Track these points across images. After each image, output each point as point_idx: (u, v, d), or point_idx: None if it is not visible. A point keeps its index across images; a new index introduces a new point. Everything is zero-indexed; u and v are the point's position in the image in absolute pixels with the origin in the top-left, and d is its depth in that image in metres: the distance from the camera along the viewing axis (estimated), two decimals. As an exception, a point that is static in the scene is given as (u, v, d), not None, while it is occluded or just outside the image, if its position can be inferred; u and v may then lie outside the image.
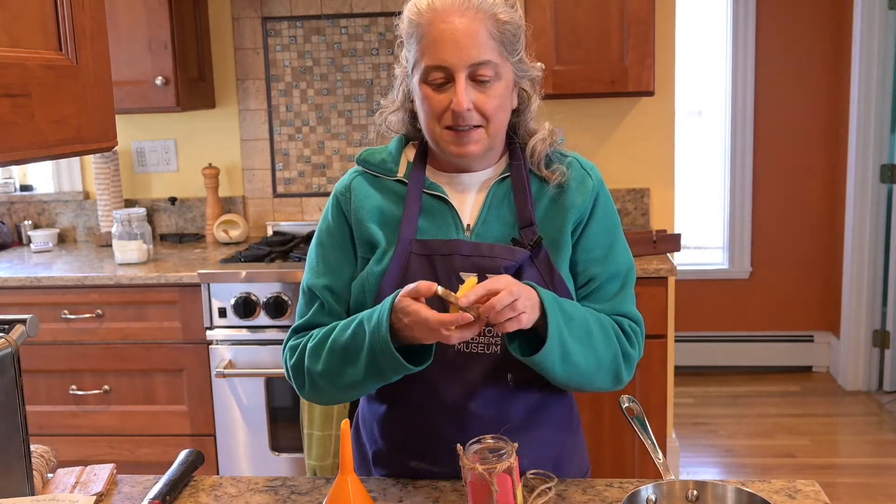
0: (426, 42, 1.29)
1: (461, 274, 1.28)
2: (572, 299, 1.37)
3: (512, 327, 1.20)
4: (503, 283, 1.20)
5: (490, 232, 1.37)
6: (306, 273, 1.44)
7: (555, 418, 1.42)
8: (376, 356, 1.25)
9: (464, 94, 1.28)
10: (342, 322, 1.34)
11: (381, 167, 1.42)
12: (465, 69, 1.28)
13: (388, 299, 1.26)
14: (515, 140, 1.42)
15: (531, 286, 1.25)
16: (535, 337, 1.26)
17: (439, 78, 1.30)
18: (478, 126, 1.32)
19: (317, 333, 1.37)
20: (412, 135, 1.46)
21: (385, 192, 1.41)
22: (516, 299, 1.19)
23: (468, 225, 1.38)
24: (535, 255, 1.34)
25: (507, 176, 1.39)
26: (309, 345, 1.37)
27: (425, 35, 1.30)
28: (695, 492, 1.19)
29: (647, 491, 1.18)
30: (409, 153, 1.44)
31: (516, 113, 1.41)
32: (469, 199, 1.40)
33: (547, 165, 1.40)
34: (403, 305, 1.21)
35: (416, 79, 1.33)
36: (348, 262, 1.41)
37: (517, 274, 1.34)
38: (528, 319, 1.22)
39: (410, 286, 1.22)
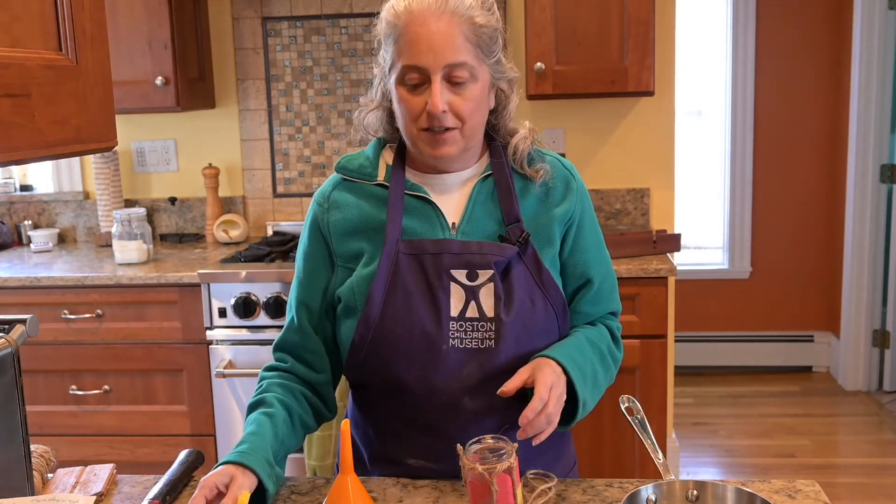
0: (402, 43, 1.30)
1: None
2: (561, 293, 1.39)
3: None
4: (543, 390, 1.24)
5: (476, 230, 1.38)
6: (293, 281, 1.48)
7: None
8: None
9: (439, 96, 1.29)
10: (256, 416, 1.35)
11: (360, 173, 1.43)
12: (440, 70, 1.29)
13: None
14: (496, 139, 1.43)
15: (551, 358, 1.30)
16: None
17: (415, 79, 1.30)
18: (452, 128, 1.32)
19: (260, 392, 1.39)
20: (390, 136, 1.46)
21: (366, 197, 1.41)
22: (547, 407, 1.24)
23: (453, 223, 1.38)
24: (522, 251, 1.36)
25: (490, 174, 1.40)
26: (256, 396, 1.39)
27: (401, 36, 1.30)
28: (695, 492, 1.19)
29: (647, 491, 1.18)
30: (388, 156, 1.44)
31: (494, 113, 1.42)
32: (451, 198, 1.40)
33: (529, 164, 1.41)
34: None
35: (392, 80, 1.34)
36: (324, 278, 1.42)
37: (506, 270, 1.35)
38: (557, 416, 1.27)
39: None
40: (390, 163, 1.43)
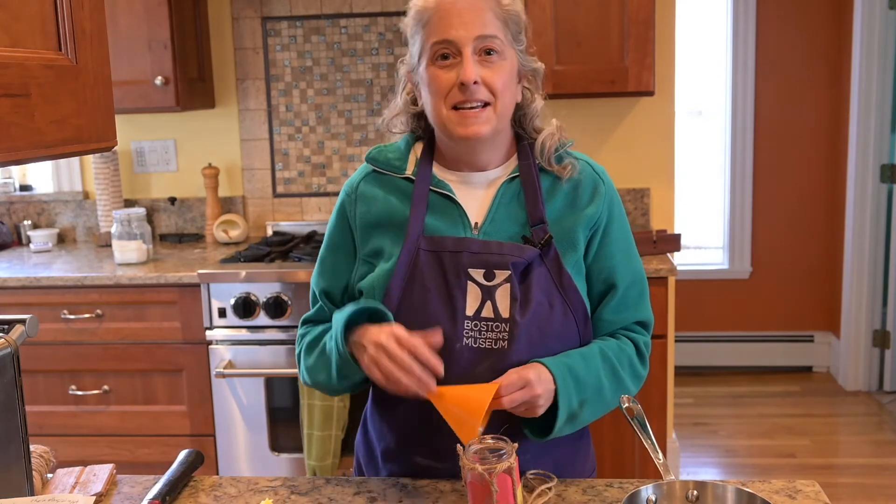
0: (433, 24, 1.32)
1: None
2: (582, 299, 1.37)
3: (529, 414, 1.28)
4: (526, 378, 1.26)
5: (498, 230, 1.37)
6: (314, 270, 1.50)
7: None
8: (342, 359, 1.34)
9: (471, 66, 1.30)
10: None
11: (389, 165, 1.44)
12: (471, 43, 1.30)
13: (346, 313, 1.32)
14: (524, 138, 1.43)
15: (541, 363, 1.30)
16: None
17: (446, 51, 1.31)
18: (485, 105, 1.32)
19: (316, 329, 1.45)
20: (418, 132, 1.47)
21: (393, 190, 1.42)
22: (538, 395, 1.26)
23: (475, 223, 1.38)
24: (544, 253, 1.35)
25: (517, 176, 1.40)
26: (307, 339, 1.45)
27: (432, 17, 1.32)
28: (695, 492, 1.19)
29: (648, 491, 1.18)
30: (419, 150, 1.45)
31: (521, 109, 1.42)
32: (476, 197, 1.40)
33: (557, 161, 1.41)
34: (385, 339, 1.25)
35: (422, 66, 1.35)
36: (347, 267, 1.44)
37: (526, 271, 1.34)
38: (543, 407, 1.29)
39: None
40: (420, 157, 1.44)
